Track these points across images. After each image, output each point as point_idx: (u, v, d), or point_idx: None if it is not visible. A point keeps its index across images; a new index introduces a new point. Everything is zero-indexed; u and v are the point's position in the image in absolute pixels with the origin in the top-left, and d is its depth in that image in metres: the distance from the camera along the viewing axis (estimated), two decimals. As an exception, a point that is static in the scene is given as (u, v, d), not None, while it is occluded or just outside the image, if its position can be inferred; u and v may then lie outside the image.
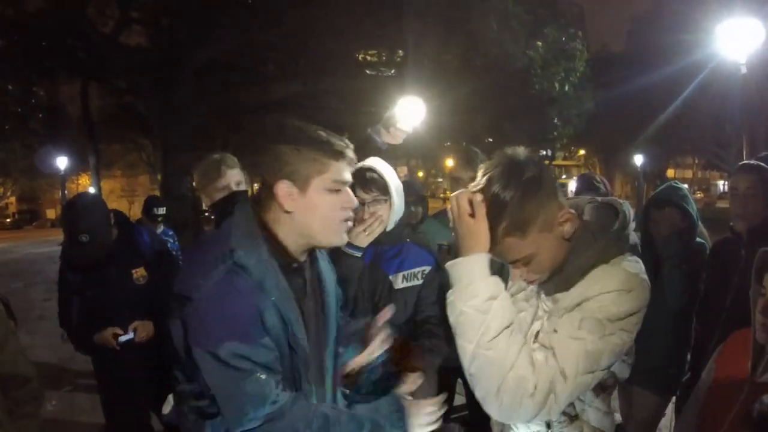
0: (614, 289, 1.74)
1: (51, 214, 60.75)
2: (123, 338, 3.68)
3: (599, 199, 1.99)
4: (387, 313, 2.26)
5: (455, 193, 1.78)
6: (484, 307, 1.67)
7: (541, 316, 1.93)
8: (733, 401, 1.94)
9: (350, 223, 1.93)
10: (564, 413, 1.88)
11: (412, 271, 2.94)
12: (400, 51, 18.30)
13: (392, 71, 19.19)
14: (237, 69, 14.45)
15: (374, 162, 2.89)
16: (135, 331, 3.71)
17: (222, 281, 1.69)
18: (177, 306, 1.74)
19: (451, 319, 1.74)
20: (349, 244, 2.74)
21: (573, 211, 1.84)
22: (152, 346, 3.70)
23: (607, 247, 1.82)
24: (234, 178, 3.40)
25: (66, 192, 34.89)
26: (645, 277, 1.85)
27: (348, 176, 1.88)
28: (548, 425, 1.94)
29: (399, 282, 2.91)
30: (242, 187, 3.37)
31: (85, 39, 13.96)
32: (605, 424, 1.98)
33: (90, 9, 14.51)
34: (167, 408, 2.04)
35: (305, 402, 1.80)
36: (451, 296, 1.74)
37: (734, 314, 2.91)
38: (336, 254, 2.69)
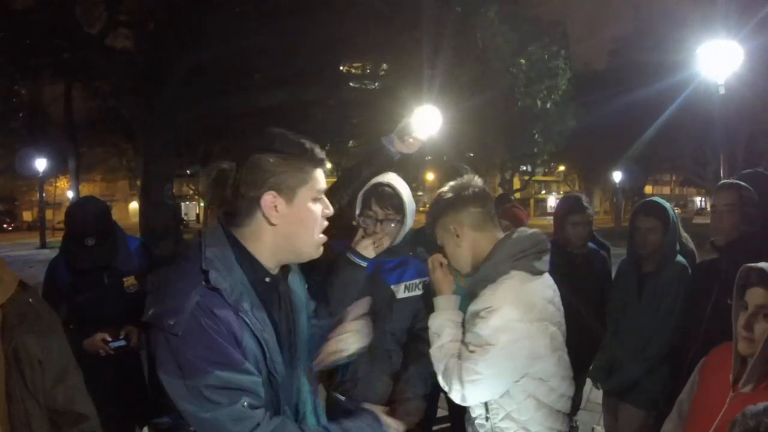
0: (494, 305, 2.26)
1: (28, 216, 59.97)
2: (115, 344, 3.51)
3: (517, 230, 2.51)
4: (362, 306, 2.27)
5: (433, 256, 2.57)
6: (438, 330, 2.47)
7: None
8: (715, 413, 2.00)
9: (324, 237, 1.87)
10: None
11: (414, 281, 2.97)
12: (384, 64, 18.39)
13: (376, 84, 19.27)
14: (223, 77, 14.37)
15: (392, 179, 2.89)
16: (128, 337, 3.56)
17: (197, 306, 1.61)
18: (147, 334, 1.68)
19: (429, 323, 2.53)
20: (356, 253, 2.75)
21: (466, 229, 2.45)
22: (138, 359, 3.60)
23: (493, 267, 2.37)
24: None
25: (44, 194, 34.50)
26: (529, 297, 2.32)
27: (325, 183, 1.85)
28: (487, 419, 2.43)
29: (401, 292, 2.94)
30: None
31: (71, 40, 13.83)
32: None
33: (77, 10, 14.38)
34: None
35: (293, 426, 1.73)
36: (430, 318, 2.53)
37: (714, 327, 2.98)
38: (340, 263, 2.74)
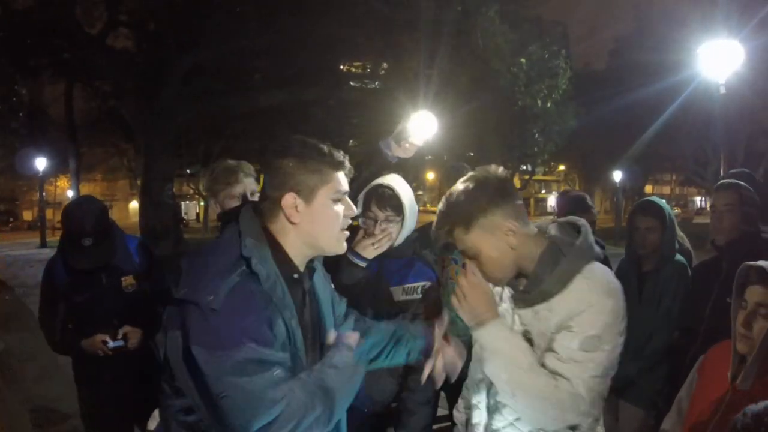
0: (597, 301, 1.94)
1: (28, 215, 59.98)
2: (113, 344, 3.53)
3: (560, 219, 2.22)
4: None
5: (467, 278, 2.06)
6: (513, 367, 1.96)
7: (516, 327, 2.09)
8: (714, 410, 2.00)
9: (347, 233, 1.97)
10: None
11: (413, 285, 2.96)
12: (385, 64, 18.40)
13: (376, 83, 19.28)
14: (223, 77, 14.38)
15: (392, 180, 2.91)
16: (126, 337, 3.57)
17: (237, 287, 1.70)
18: (179, 313, 1.72)
19: (487, 372, 2.06)
20: (356, 254, 2.78)
21: (517, 224, 2.02)
22: (138, 358, 3.58)
23: (577, 258, 2.02)
24: (250, 186, 3.38)
25: (44, 194, 34.48)
26: (616, 280, 2.05)
27: (346, 186, 1.94)
28: None
29: (399, 295, 2.93)
30: (255, 197, 3.31)
31: (71, 40, 13.82)
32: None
33: (77, 10, 14.37)
34: (153, 423, 1.98)
35: (298, 383, 1.76)
36: (482, 355, 2.05)
37: (714, 325, 2.99)
38: (341, 263, 2.75)
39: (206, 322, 1.66)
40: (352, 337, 2.01)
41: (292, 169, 1.83)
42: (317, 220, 1.87)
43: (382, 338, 2.26)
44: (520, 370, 1.95)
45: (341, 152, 1.92)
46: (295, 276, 1.91)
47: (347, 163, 1.94)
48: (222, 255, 1.80)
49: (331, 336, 2.00)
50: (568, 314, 1.95)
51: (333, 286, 2.41)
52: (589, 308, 1.93)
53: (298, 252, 1.90)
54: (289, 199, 1.83)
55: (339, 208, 1.91)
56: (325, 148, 1.89)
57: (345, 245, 1.98)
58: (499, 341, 1.99)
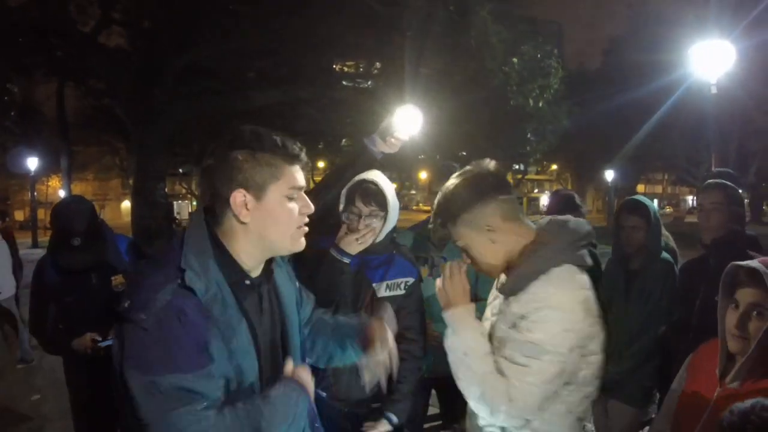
0: (547, 307, 1.94)
1: (19, 215, 59.65)
2: (105, 343, 3.52)
3: (559, 217, 2.19)
4: (387, 310, 2.26)
5: (451, 263, 2.18)
6: (466, 351, 2.06)
7: (494, 315, 2.18)
8: (703, 408, 2.01)
9: (306, 229, 1.83)
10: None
11: (396, 281, 2.98)
12: (378, 63, 18.40)
13: (369, 82, 19.29)
14: (217, 75, 14.34)
15: (376, 176, 2.93)
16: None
17: (169, 304, 1.60)
18: (120, 328, 1.64)
19: (445, 345, 2.14)
20: (339, 250, 2.80)
21: (497, 220, 2.06)
22: None
23: (547, 257, 2.02)
24: None
25: (35, 194, 34.30)
26: (586, 293, 2.01)
27: (303, 180, 1.80)
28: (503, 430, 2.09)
29: (382, 290, 2.95)
30: None
31: (64, 38, 13.77)
32: None
33: (72, 7, 14.30)
34: None
35: (228, 414, 1.63)
36: (446, 332, 2.14)
37: (702, 323, 3.01)
38: (324, 259, 2.78)
39: (137, 342, 1.58)
40: (304, 374, 1.84)
41: (241, 163, 1.69)
42: (269, 219, 1.73)
43: (333, 341, 2.21)
44: (472, 354, 2.04)
45: (297, 144, 1.78)
46: (247, 282, 1.79)
47: (303, 157, 1.79)
48: (162, 266, 1.70)
49: (289, 367, 1.84)
50: (521, 313, 1.98)
51: (320, 284, 2.39)
52: (536, 312, 1.94)
53: (250, 254, 1.78)
54: (238, 197, 1.69)
55: (294, 205, 1.77)
56: (279, 139, 1.74)
57: (302, 243, 1.83)
58: (461, 324, 2.09)
